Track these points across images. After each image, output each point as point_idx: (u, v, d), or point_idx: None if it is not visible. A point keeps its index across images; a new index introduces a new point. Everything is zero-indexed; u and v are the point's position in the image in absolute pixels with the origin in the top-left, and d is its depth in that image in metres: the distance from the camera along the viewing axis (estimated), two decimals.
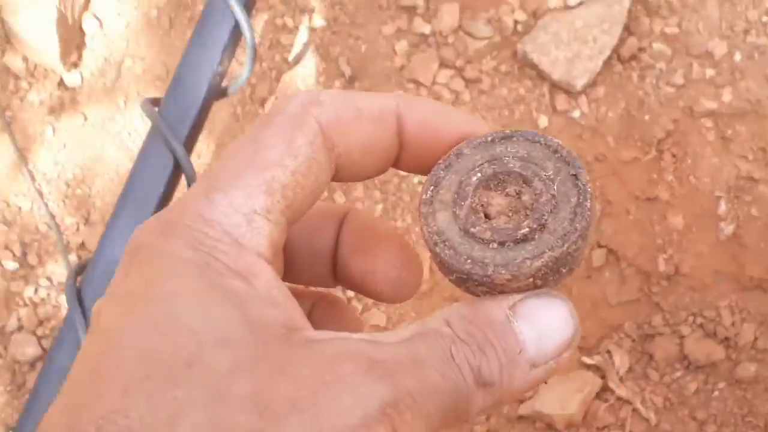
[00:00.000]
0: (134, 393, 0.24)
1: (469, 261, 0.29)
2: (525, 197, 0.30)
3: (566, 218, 0.29)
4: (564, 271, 0.29)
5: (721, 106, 1.29)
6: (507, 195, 0.30)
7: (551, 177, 0.30)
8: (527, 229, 0.29)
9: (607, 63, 1.31)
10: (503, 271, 0.28)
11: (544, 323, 0.28)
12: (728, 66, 1.31)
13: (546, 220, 0.29)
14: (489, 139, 0.31)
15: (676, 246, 1.25)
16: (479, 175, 0.30)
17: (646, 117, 1.30)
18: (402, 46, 1.34)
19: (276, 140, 0.29)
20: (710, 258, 1.25)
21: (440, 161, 0.31)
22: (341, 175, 0.31)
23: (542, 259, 0.28)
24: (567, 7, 1.33)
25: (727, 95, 1.30)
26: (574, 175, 0.30)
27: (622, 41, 1.31)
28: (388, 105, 0.31)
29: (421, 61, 1.33)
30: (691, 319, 1.23)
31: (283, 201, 0.28)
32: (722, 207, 1.26)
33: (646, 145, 1.29)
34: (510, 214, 0.30)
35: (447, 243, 0.29)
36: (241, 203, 0.28)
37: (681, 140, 1.29)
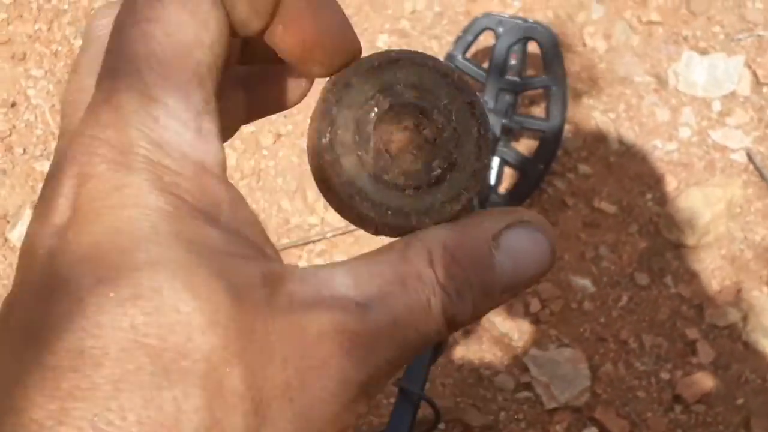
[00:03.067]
0: (128, 388, 0.22)
1: (390, 212, 0.28)
2: (426, 131, 0.28)
3: (472, 153, 0.28)
4: (474, 204, 0.29)
5: None
6: (406, 129, 0.28)
7: (448, 107, 0.28)
8: (439, 170, 0.28)
9: None
10: (426, 220, 0.28)
11: (524, 257, 0.28)
12: None
13: (455, 158, 0.28)
14: (375, 64, 0.28)
15: None
16: (376, 110, 0.28)
17: None
18: None
19: (181, 11, 0.25)
20: None
21: (327, 94, 0.28)
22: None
23: (461, 202, 0.28)
24: None
25: None
26: (469, 103, 0.28)
27: None
28: None
29: None
30: None
31: (212, 86, 0.26)
32: None
33: None
34: (414, 151, 0.28)
35: (362, 194, 0.28)
36: (184, 111, 0.25)
37: None
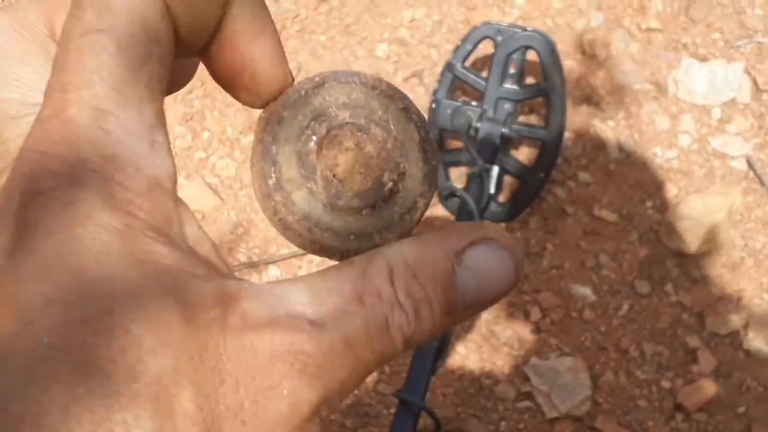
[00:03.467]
0: (77, 412, 0.21)
1: (352, 237, 0.28)
2: (368, 147, 0.28)
3: (419, 157, 0.28)
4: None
5: None
6: (348, 150, 0.28)
7: (383, 118, 0.28)
8: (391, 183, 0.28)
9: None
10: (390, 236, 0.28)
11: (487, 276, 0.27)
12: None
13: (403, 167, 0.28)
14: (302, 92, 0.28)
15: None
16: (314, 138, 0.27)
17: None
18: None
19: (132, 23, 0.24)
20: None
21: (263, 134, 0.28)
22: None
23: (419, 209, 0.28)
24: None
25: None
26: (403, 108, 0.28)
27: None
28: None
29: None
30: None
31: (162, 98, 0.25)
32: None
33: None
34: (361, 170, 0.28)
35: (320, 225, 0.27)
36: (138, 124, 0.24)
37: None
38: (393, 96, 0.28)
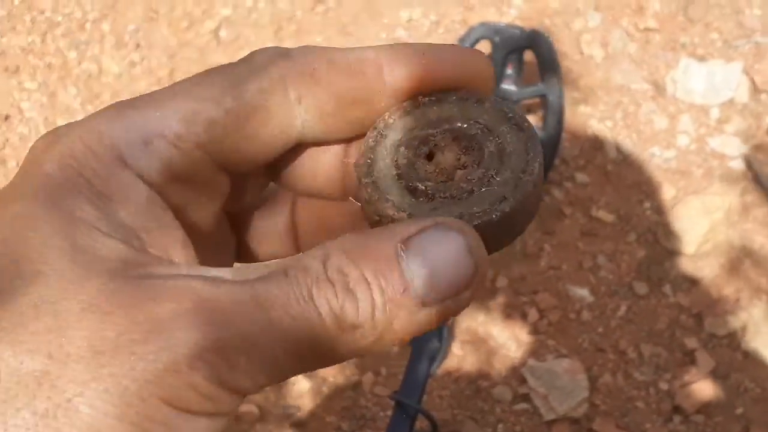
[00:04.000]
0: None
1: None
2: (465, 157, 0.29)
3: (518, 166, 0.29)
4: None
5: None
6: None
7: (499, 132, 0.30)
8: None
9: None
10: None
11: (438, 259, 0.26)
12: None
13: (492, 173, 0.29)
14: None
15: None
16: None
17: None
18: None
19: (223, 80, 0.28)
20: None
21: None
22: (314, 126, 0.29)
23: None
24: None
25: None
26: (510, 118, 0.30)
27: None
28: (366, 55, 0.29)
29: None
30: None
31: (204, 135, 0.27)
32: None
33: None
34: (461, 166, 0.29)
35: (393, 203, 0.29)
36: (147, 123, 0.27)
37: None
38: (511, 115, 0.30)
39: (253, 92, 0.28)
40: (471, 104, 0.30)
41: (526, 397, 1.40)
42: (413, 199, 0.28)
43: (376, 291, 0.25)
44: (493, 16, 1.68)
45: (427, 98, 0.30)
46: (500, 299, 1.47)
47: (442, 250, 0.26)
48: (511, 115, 0.29)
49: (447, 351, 1.41)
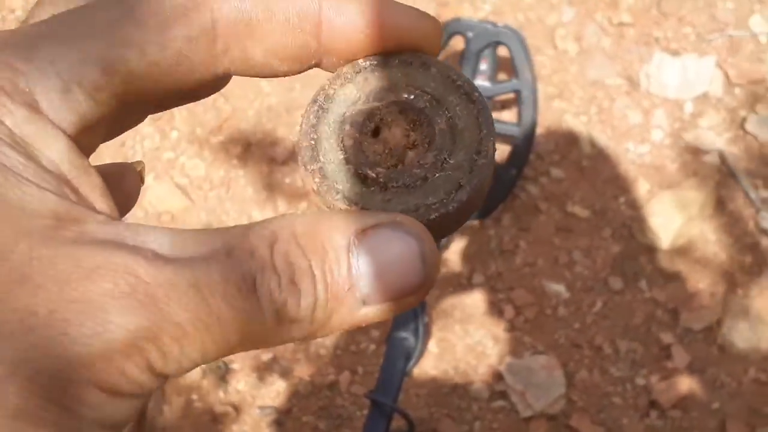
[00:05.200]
0: None
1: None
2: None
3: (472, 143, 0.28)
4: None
5: None
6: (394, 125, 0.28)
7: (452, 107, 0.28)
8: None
9: None
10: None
11: (389, 261, 0.24)
12: None
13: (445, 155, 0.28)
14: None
15: None
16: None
17: None
18: None
19: (149, 21, 0.25)
20: None
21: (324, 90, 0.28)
22: (239, 71, 0.27)
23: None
24: None
25: None
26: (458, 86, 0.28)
27: None
28: (307, 8, 0.27)
29: None
30: None
31: (121, 86, 0.25)
32: None
33: None
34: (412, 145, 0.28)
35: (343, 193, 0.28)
36: (68, 68, 0.24)
37: None
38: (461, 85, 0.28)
39: (180, 40, 0.25)
40: (416, 69, 0.28)
41: (503, 395, 1.39)
42: (365, 188, 0.27)
43: (321, 287, 0.24)
44: (467, 11, 1.68)
45: (368, 62, 0.28)
46: (476, 296, 1.46)
47: (394, 253, 0.25)
48: (459, 83, 0.28)
49: (423, 349, 1.41)
